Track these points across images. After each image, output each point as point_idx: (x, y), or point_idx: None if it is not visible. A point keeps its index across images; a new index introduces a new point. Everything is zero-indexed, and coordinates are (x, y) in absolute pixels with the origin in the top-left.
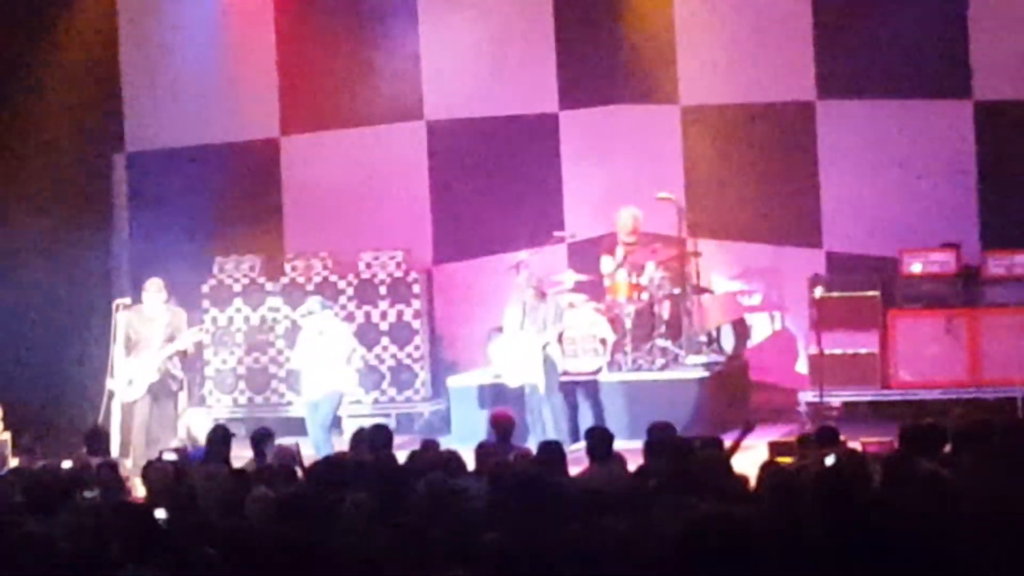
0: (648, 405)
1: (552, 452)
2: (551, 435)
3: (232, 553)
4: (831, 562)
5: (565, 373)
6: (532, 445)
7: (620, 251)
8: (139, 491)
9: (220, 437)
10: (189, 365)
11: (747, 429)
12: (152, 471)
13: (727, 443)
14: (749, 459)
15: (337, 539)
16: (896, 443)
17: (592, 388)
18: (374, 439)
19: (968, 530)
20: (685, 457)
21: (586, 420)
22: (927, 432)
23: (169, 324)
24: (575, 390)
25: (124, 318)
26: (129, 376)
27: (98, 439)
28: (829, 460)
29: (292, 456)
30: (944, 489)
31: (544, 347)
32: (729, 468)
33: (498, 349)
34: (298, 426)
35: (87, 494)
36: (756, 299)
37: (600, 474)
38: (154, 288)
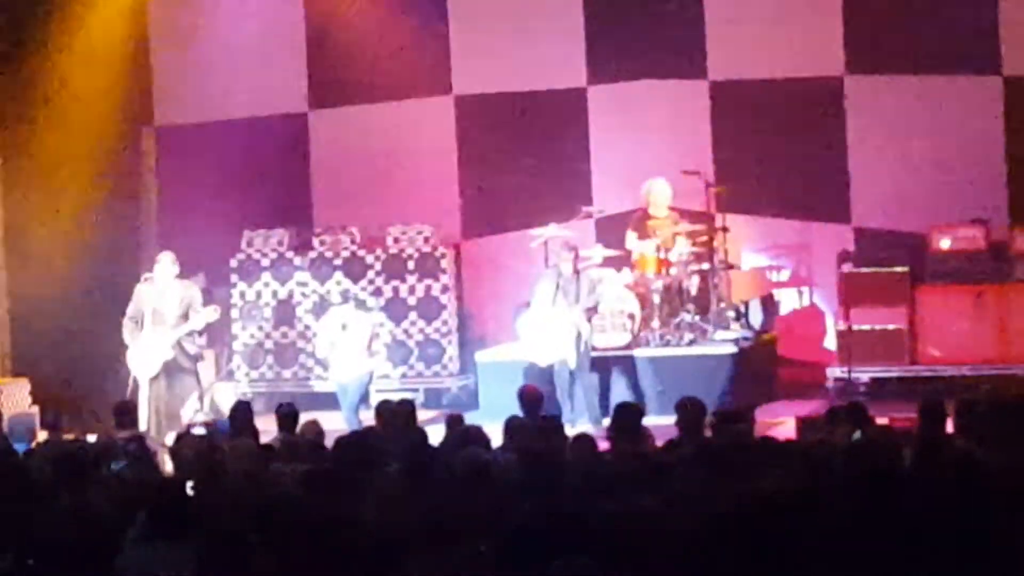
0: (676, 381)
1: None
2: (582, 412)
3: (260, 527)
4: (862, 537)
5: (594, 348)
6: (570, 425)
7: (647, 227)
8: (166, 464)
9: (242, 411)
10: (217, 339)
11: (750, 411)
12: (185, 444)
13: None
14: (778, 434)
15: (365, 513)
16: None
17: (621, 363)
18: (398, 413)
19: (999, 506)
20: (715, 432)
21: (615, 396)
22: (953, 407)
23: (183, 299)
24: (605, 365)
25: (137, 292)
26: (143, 352)
27: (127, 413)
28: (856, 436)
29: (317, 431)
30: (976, 465)
31: (578, 319)
32: (756, 443)
33: (527, 325)
34: (325, 401)
35: (114, 467)
36: (784, 275)
37: (628, 450)
38: (167, 261)
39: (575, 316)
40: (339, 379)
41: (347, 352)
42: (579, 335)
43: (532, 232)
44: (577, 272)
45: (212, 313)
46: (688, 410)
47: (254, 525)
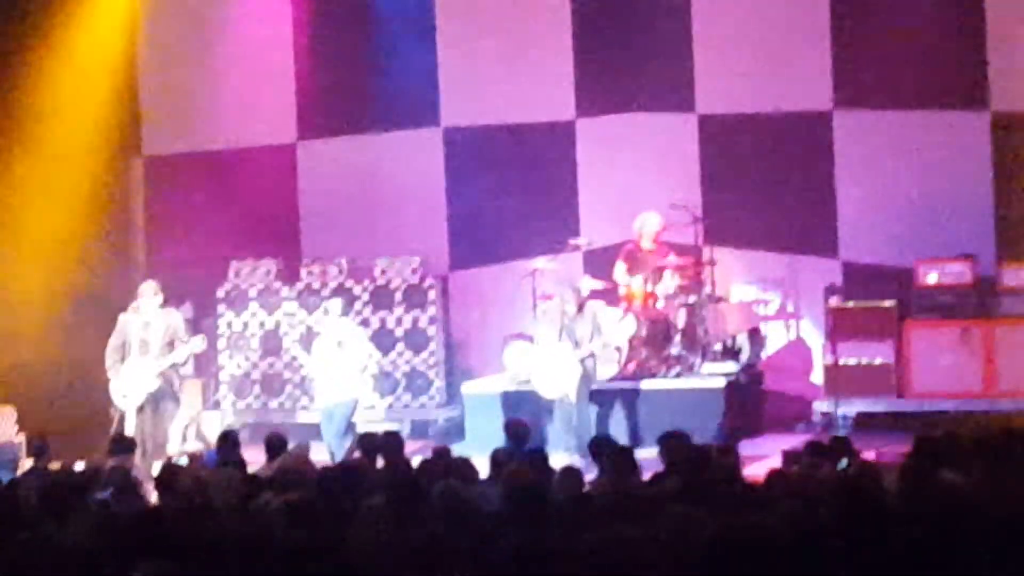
0: (663, 413)
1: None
2: (581, 443)
3: (244, 558)
4: (848, 571)
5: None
6: (559, 454)
7: (638, 260)
8: (152, 494)
9: (229, 441)
10: (204, 368)
11: (735, 439)
12: (170, 474)
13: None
14: (764, 468)
15: (350, 544)
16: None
17: (608, 396)
18: (386, 446)
19: (986, 541)
20: (700, 465)
21: (601, 429)
22: (941, 442)
23: (167, 329)
24: (596, 398)
25: (122, 322)
26: (129, 383)
27: (122, 443)
28: (842, 464)
29: (304, 461)
30: (962, 499)
31: (584, 360)
32: (741, 477)
33: (524, 356)
34: (312, 431)
35: (99, 495)
36: (772, 308)
37: (610, 482)
38: (149, 291)
39: (581, 355)
40: (325, 403)
41: (338, 371)
42: (585, 372)
43: (520, 264)
44: (583, 312)
45: (198, 344)
46: (672, 444)
47: (239, 555)
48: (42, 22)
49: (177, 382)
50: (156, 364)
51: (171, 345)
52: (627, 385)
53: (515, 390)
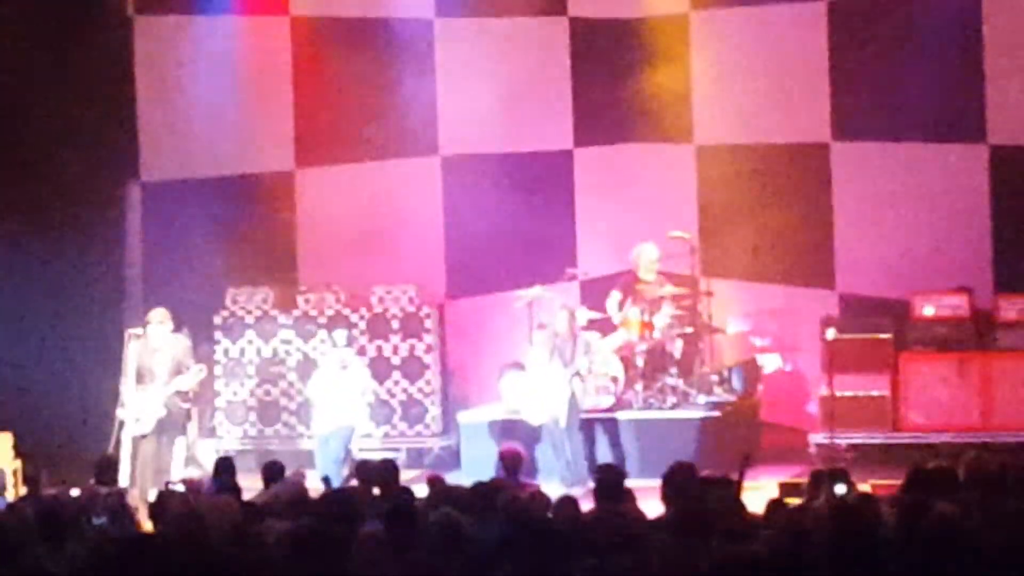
0: (659, 444)
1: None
2: (575, 471)
3: None
4: None
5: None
6: (554, 481)
7: (635, 290)
8: (146, 521)
9: (225, 468)
10: (199, 396)
11: (745, 463)
12: (166, 501)
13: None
14: (760, 499)
15: (348, 572)
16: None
17: (605, 426)
18: (382, 474)
19: (980, 572)
20: (697, 496)
21: (598, 458)
22: (936, 474)
23: (174, 356)
24: (588, 427)
25: (133, 349)
26: (137, 410)
27: (108, 468)
28: (840, 490)
29: (301, 488)
30: (957, 531)
31: (571, 379)
32: (741, 507)
33: (518, 384)
34: (308, 459)
35: (95, 521)
36: (768, 339)
37: (609, 511)
38: (157, 318)
39: (568, 376)
40: (321, 430)
41: (337, 396)
42: (572, 395)
43: (517, 293)
44: (574, 334)
45: (198, 374)
46: (672, 474)
47: None
48: (40, 49)
49: (184, 409)
50: (163, 391)
51: (177, 372)
52: (622, 415)
53: (510, 419)
